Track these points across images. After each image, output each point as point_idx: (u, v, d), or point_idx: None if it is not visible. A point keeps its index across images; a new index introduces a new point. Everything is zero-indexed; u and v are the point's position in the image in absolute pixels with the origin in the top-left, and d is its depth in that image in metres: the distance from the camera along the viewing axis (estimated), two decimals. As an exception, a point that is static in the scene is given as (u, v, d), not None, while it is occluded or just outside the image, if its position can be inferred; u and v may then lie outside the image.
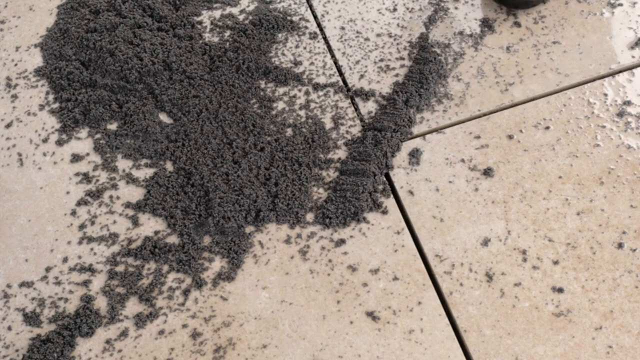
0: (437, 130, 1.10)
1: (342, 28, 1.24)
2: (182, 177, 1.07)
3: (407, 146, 1.09)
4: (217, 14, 1.28)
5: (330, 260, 0.98)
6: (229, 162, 1.08)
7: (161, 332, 0.94)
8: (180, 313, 0.96)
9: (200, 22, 1.27)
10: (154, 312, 0.96)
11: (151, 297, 0.97)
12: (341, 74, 1.18)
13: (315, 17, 1.26)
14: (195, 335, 0.94)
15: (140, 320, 0.95)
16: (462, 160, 1.06)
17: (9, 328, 0.96)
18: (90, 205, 1.06)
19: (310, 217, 1.03)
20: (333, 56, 1.20)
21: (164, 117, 1.15)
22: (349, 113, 1.13)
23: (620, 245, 0.97)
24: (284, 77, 1.18)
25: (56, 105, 1.17)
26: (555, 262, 0.96)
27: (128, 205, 1.06)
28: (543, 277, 0.95)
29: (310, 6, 1.28)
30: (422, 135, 1.10)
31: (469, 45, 1.19)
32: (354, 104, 1.14)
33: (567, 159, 1.05)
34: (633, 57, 1.15)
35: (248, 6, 1.29)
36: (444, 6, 1.25)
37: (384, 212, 1.02)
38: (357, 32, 1.23)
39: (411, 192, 1.04)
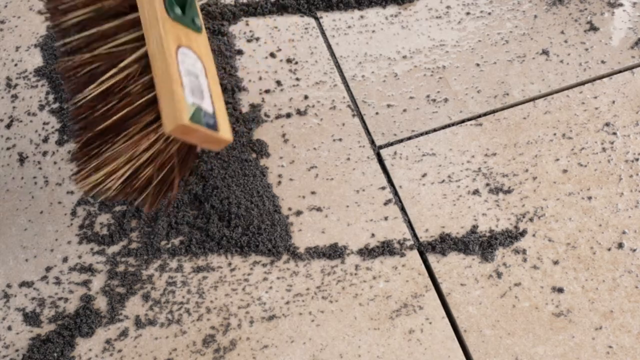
0: (438, 129, 1.10)
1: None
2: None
3: (408, 145, 1.09)
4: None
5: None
6: None
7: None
8: (180, 313, 0.96)
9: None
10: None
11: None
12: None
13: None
14: (195, 335, 0.94)
15: (141, 320, 0.95)
16: (462, 160, 1.06)
17: (9, 328, 0.96)
18: (90, 205, 1.06)
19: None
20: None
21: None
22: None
23: (620, 245, 0.97)
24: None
25: (56, 105, 1.17)
26: (555, 262, 0.96)
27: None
28: (543, 277, 0.95)
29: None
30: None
31: (469, 45, 1.19)
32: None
33: (567, 159, 1.05)
34: (633, 57, 1.15)
35: None
36: None
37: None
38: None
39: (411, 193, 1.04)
